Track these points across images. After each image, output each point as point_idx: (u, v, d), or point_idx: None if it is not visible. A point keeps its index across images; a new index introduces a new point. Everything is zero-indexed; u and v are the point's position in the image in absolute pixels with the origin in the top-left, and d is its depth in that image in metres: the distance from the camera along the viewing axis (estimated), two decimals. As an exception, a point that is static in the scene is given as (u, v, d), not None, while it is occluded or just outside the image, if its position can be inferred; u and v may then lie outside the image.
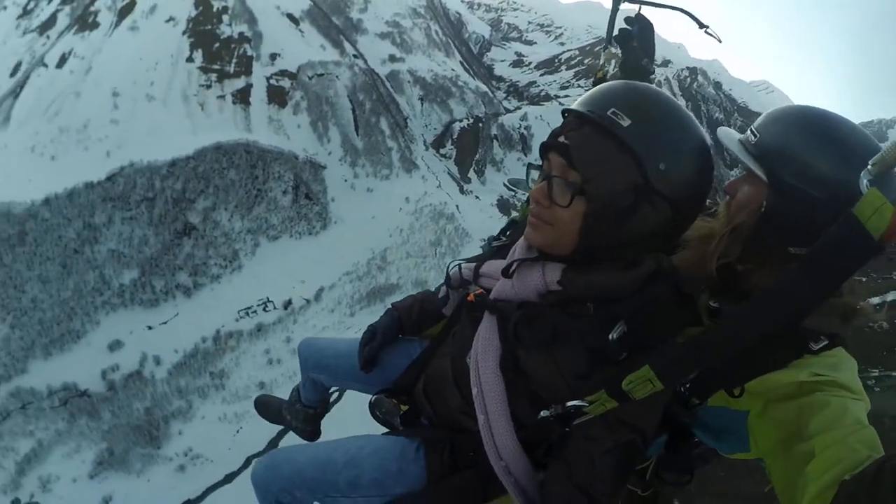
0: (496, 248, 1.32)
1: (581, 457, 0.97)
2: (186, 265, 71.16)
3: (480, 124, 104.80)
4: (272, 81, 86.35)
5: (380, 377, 1.47)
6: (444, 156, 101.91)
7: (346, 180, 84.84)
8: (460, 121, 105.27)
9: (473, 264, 1.28)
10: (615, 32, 1.81)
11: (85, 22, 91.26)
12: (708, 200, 1.29)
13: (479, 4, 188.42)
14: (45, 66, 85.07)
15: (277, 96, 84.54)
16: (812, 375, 1.00)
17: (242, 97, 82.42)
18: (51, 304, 64.69)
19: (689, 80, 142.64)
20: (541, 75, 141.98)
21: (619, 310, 0.97)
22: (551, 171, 1.00)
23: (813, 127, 1.05)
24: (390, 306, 1.55)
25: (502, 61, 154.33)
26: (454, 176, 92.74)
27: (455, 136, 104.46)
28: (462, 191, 76.39)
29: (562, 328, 1.00)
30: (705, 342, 0.87)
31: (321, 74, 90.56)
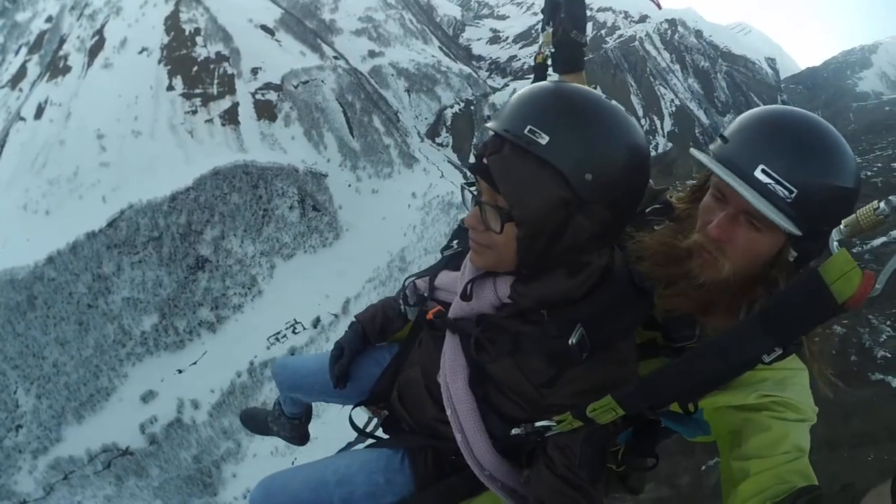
0: (448, 257, 1.34)
1: (561, 449, 1.01)
2: (206, 300, 70.89)
3: (472, 107, 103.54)
4: (258, 96, 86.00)
5: (355, 389, 1.52)
6: (440, 145, 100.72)
7: (349, 185, 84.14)
8: (451, 107, 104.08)
9: (427, 278, 1.32)
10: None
11: (56, 68, 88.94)
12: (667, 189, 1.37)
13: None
14: (23, 119, 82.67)
15: (266, 111, 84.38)
16: (760, 398, 1.03)
17: (231, 117, 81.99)
18: (74, 365, 62.83)
19: (669, 32, 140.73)
20: (520, 48, 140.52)
21: (574, 314, 1.00)
22: (481, 197, 1.01)
23: (841, 163, 0.98)
24: (353, 319, 1.58)
25: (479, 40, 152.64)
26: (455, 163, 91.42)
27: (448, 123, 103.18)
28: (466, 177, 75.77)
29: (521, 337, 1.04)
30: (661, 380, 0.91)
31: (306, 81, 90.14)
